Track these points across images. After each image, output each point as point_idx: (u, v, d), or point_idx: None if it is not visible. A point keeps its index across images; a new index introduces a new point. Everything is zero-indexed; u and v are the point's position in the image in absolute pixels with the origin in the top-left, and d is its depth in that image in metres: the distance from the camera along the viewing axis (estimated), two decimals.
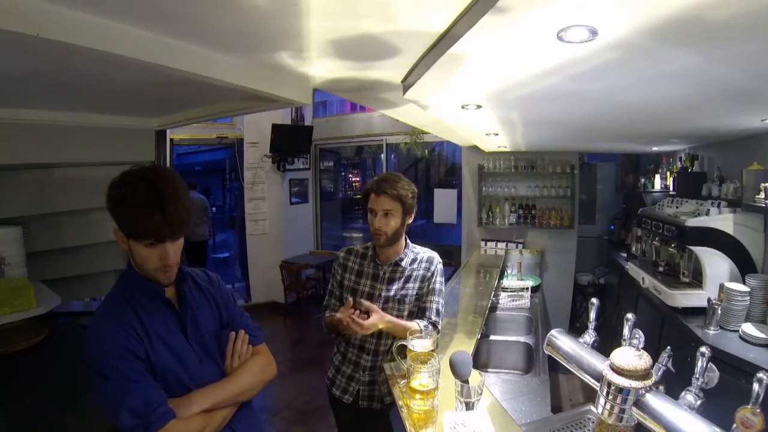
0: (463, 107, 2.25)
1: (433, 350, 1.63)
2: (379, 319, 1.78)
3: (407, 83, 1.94)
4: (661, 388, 1.19)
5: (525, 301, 3.81)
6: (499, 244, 5.17)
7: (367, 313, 1.78)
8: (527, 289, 3.94)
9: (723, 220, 2.82)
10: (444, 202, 6.01)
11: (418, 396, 1.48)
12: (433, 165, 8.31)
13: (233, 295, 1.53)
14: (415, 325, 1.86)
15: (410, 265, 1.98)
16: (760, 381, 1.08)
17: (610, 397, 1.17)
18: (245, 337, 1.43)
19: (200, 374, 1.29)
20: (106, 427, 1.19)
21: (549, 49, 1.24)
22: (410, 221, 1.94)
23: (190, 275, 1.42)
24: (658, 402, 1.10)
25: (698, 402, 1.17)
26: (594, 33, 1.10)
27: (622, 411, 1.15)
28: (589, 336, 1.52)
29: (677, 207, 3.36)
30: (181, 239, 1.26)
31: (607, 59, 1.33)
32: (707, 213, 2.89)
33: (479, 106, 2.22)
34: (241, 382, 1.34)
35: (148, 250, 1.19)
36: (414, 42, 1.52)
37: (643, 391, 1.13)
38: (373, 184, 1.89)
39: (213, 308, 1.41)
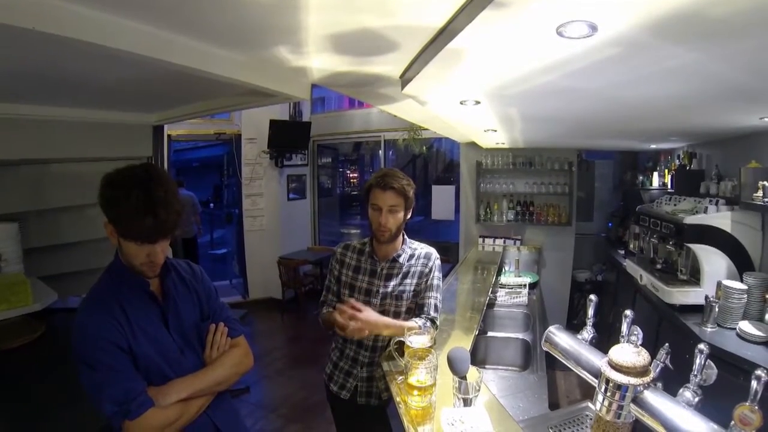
0: (461, 103, 2.24)
1: (430, 347, 1.63)
2: (376, 317, 1.79)
3: (406, 78, 1.93)
4: (659, 385, 1.19)
5: (522, 297, 3.81)
6: (496, 240, 5.18)
7: None
8: (525, 285, 3.94)
9: (721, 218, 2.82)
10: (442, 199, 6.01)
11: (415, 392, 1.48)
12: (431, 161, 8.30)
13: (215, 288, 1.58)
14: (414, 323, 1.85)
15: (408, 261, 1.97)
16: (758, 378, 1.08)
17: (609, 393, 1.17)
18: (224, 329, 1.48)
19: (180, 364, 1.34)
20: (103, 424, 1.20)
21: (548, 44, 1.24)
22: (409, 216, 1.94)
23: (174, 267, 1.46)
24: (656, 399, 1.10)
25: (696, 399, 1.17)
26: (594, 28, 1.10)
27: (621, 408, 1.15)
28: (588, 333, 1.53)
29: (675, 204, 3.36)
30: (170, 239, 1.31)
31: (607, 55, 1.33)
32: (705, 211, 2.89)
33: (478, 102, 2.22)
34: (218, 373, 1.39)
35: (137, 248, 1.24)
36: (413, 37, 1.51)
37: (642, 388, 1.13)
38: (377, 179, 1.86)
39: (195, 300, 1.47)
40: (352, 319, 1.74)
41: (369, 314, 1.79)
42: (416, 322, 1.85)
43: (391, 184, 1.82)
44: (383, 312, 1.92)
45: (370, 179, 1.91)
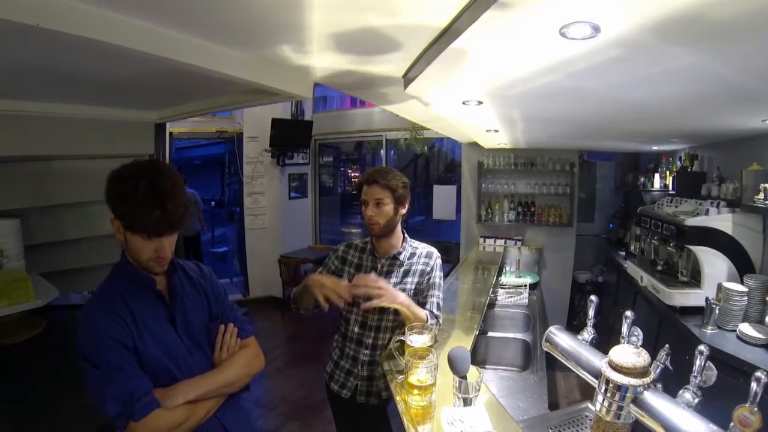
0: (463, 103, 2.24)
1: (431, 346, 1.64)
2: (394, 292, 1.79)
3: (408, 78, 1.93)
4: (659, 386, 1.19)
5: (523, 298, 3.82)
6: (497, 240, 5.18)
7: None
8: (525, 286, 3.94)
9: (722, 220, 2.81)
10: (443, 199, 6.01)
11: (415, 391, 1.48)
12: (432, 161, 8.31)
13: (224, 288, 1.55)
14: (425, 314, 1.87)
15: (408, 259, 1.99)
16: (758, 380, 1.08)
17: (609, 394, 1.17)
18: (234, 329, 1.45)
19: (188, 365, 1.31)
20: (103, 421, 1.20)
21: (551, 45, 1.24)
22: (404, 211, 1.95)
23: (181, 267, 1.44)
24: (656, 400, 1.10)
25: (696, 400, 1.17)
26: (596, 30, 1.10)
27: (620, 408, 1.15)
28: (588, 333, 1.53)
29: (676, 206, 3.36)
30: (177, 233, 1.29)
31: (609, 56, 1.33)
32: (706, 213, 2.89)
33: (480, 102, 2.22)
34: (228, 374, 1.36)
35: (144, 242, 1.22)
36: (416, 36, 1.51)
37: (642, 389, 1.13)
38: (365, 175, 1.93)
39: (203, 300, 1.44)
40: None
41: (390, 288, 1.80)
42: (426, 314, 1.88)
43: (375, 179, 1.88)
44: (382, 310, 1.92)
45: (360, 177, 1.97)
